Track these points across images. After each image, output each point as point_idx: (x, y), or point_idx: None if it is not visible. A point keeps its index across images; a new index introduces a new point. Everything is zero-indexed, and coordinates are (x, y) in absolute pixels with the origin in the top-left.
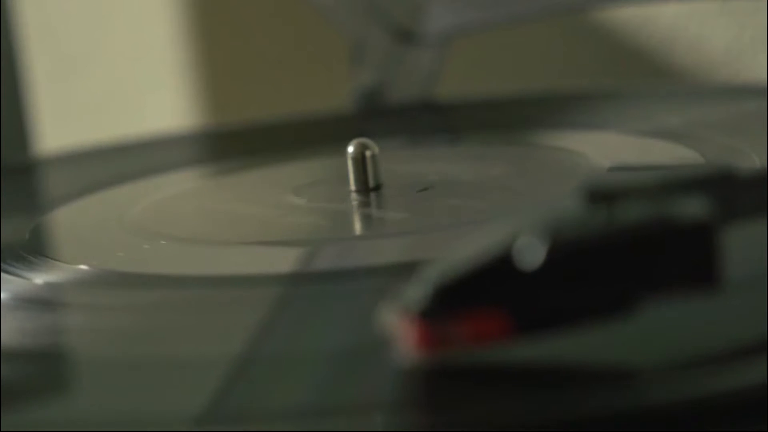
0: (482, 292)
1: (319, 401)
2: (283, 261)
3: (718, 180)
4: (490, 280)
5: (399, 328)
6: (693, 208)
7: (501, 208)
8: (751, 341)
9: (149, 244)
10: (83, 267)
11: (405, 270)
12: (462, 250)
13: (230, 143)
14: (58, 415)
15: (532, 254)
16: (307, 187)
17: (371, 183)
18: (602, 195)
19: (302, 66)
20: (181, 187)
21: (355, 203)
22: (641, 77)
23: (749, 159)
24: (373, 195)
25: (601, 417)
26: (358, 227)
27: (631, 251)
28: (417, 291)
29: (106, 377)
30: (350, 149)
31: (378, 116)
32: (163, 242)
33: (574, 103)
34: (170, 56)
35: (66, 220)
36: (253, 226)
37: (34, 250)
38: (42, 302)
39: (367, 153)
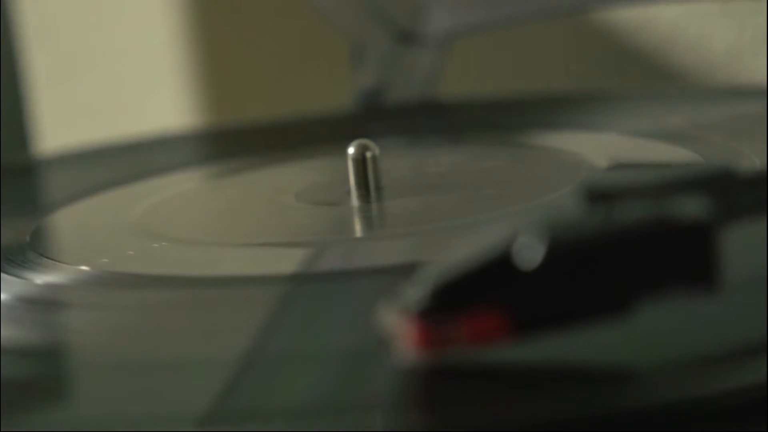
0: (481, 291)
1: (318, 401)
2: (283, 262)
3: (718, 180)
4: (489, 279)
5: (398, 328)
6: (692, 208)
7: (500, 208)
8: (750, 342)
9: (149, 245)
10: (84, 268)
11: (404, 270)
12: (461, 249)
13: (230, 143)
14: (59, 415)
15: (530, 254)
16: (307, 188)
17: (371, 184)
18: (601, 195)
19: (302, 66)
20: (182, 187)
21: (355, 204)
22: (641, 78)
23: (749, 160)
24: (373, 195)
25: (599, 417)
26: (358, 228)
27: (630, 251)
28: (416, 291)
29: (106, 378)
30: (351, 150)
31: (378, 116)
32: (164, 243)
33: (574, 104)
34: (170, 56)
35: (66, 221)
36: (252, 226)
37: (34, 250)
38: (42, 303)
39: (368, 154)
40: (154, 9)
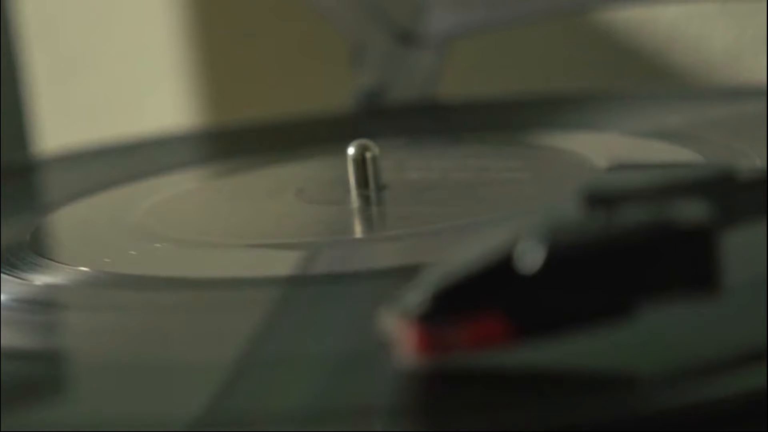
0: (482, 295)
1: (318, 405)
2: (283, 263)
3: (718, 182)
4: (490, 283)
5: (398, 332)
6: (693, 210)
7: (501, 209)
8: (751, 345)
9: (149, 245)
10: (83, 269)
11: (405, 273)
12: (462, 253)
13: (230, 143)
14: (58, 415)
15: (531, 258)
16: (307, 189)
17: (371, 184)
18: (601, 198)
19: (302, 66)
20: (181, 187)
21: (355, 205)
22: (641, 78)
23: (749, 160)
24: (373, 196)
25: (599, 422)
26: (358, 229)
27: (631, 254)
28: (416, 294)
29: (105, 379)
30: (350, 150)
31: (378, 117)
32: (164, 243)
33: (574, 104)
34: (170, 56)
35: (66, 222)
36: (252, 227)
37: (34, 251)
38: (42, 304)
39: (368, 154)
40: (154, 9)
